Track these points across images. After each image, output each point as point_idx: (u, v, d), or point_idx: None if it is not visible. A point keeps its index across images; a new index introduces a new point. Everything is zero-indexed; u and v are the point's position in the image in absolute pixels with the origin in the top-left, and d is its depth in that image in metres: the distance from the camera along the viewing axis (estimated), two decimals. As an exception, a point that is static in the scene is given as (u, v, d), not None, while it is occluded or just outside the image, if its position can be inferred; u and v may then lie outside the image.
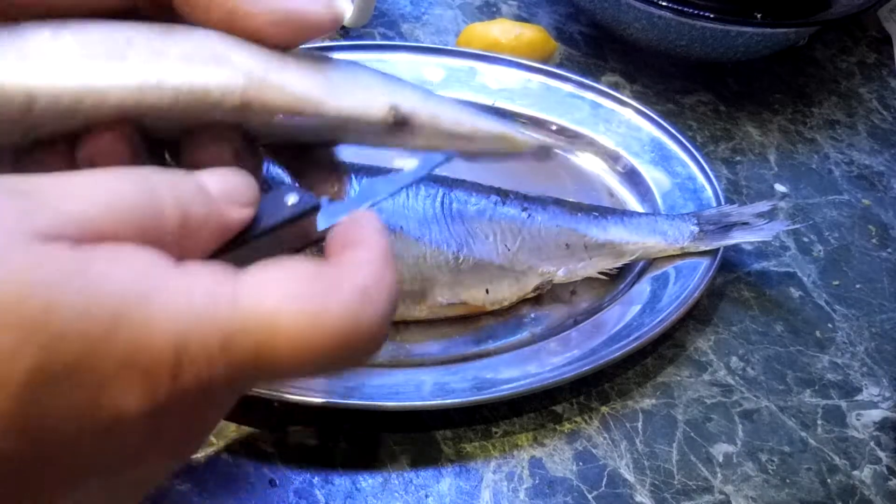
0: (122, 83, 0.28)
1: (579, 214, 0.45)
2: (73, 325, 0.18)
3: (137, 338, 0.19)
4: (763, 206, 0.47)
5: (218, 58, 0.30)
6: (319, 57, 0.32)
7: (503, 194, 0.45)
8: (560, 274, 0.44)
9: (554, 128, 0.52)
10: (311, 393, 0.37)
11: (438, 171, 0.46)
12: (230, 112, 0.29)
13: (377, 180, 0.32)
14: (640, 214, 0.47)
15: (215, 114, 0.29)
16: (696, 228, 0.45)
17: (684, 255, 0.45)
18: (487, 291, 0.42)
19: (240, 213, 0.25)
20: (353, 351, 0.22)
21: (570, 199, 0.47)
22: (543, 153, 0.38)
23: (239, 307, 0.20)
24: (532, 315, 0.43)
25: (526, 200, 0.45)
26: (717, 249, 0.45)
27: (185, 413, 0.20)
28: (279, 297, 0.21)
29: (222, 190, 0.24)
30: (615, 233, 0.45)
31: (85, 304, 0.18)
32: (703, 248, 0.45)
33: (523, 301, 0.43)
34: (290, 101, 0.30)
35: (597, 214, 0.45)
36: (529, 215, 0.44)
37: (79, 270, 0.19)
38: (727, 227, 0.45)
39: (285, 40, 0.29)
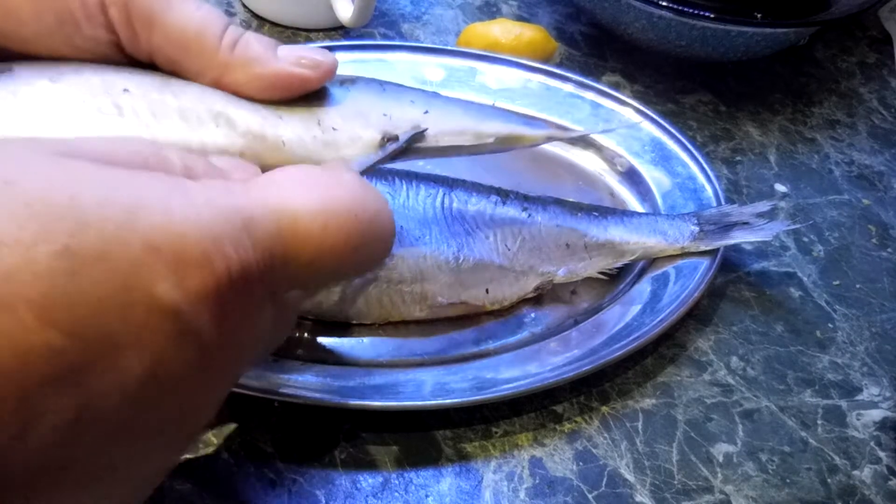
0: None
1: (579, 214, 0.45)
2: (95, 212, 0.18)
3: (158, 224, 0.19)
4: (763, 205, 0.47)
5: (216, 116, 0.30)
6: (313, 95, 0.32)
7: (503, 194, 0.45)
8: (560, 274, 0.44)
9: (553, 127, 0.52)
10: (311, 393, 0.37)
11: (438, 171, 0.46)
12: None
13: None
14: (640, 214, 0.47)
15: None
16: (697, 228, 0.45)
17: (684, 254, 0.45)
18: (487, 291, 0.42)
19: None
20: (368, 234, 0.23)
21: (571, 199, 0.47)
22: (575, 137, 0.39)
23: (253, 195, 0.21)
24: (532, 315, 0.43)
25: (526, 200, 0.45)
26: (718, 249, 0.45)
27: (225, 317, 0.20)
28: (289, 186, 0.22)
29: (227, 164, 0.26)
30: (615, 232, 0.45)
31: (106, 195, 0.19)
32: (703, 247, 0.45)
33: (523, 301, 0.43)
34: (286, 157, 0.31)
35: (597, 214, 0.45)
36: (530, 215, 0.44)
37: (99, 172, 0.19)
38: (728, 227, 0.45)
39: (277, 98, 0.30)
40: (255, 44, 0.29)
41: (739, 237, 0.45)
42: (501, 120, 0.38)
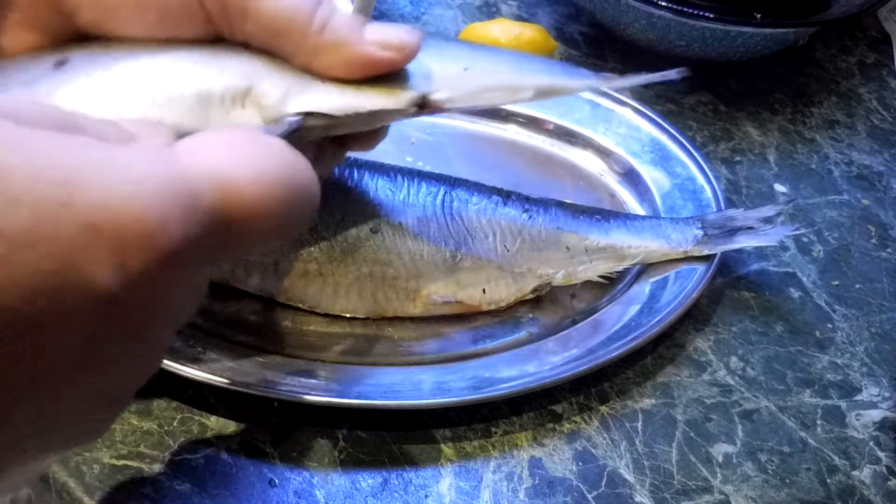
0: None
1: (581, 217, 0.45)
2: (26, 189, 0.17)
3: (96, 202, 0.18)
4: (769, 210, 0.46)
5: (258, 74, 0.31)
6: None
7: (505, 195, 0.45)
8: (559, 276, 0.43)
9: (551, 127, 0.52)
10: (310, 392, 0.37)
11: (438, 171, 0.46)
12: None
13: None
14: (643, 218, 0.47)
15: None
16: (701, 232, 0.45)
17: (686, 258, 0.45)
18: (484, 291, 0.42)
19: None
20: (300, 200, 0.22)
21: (572, 202, 0.46)
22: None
23: (191, 164, 0.20)
24: (530, 315, 0.43)
25: (528, 202, 0.45)
26: (717, 250, 0.45)
27: (158, 293, 0.19)
28: (223, 153, 0.21)
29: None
30: (617, 236, 0.44)
31: (36, 169, 0.17)
32: (706, 252, 0.44)
33: (521, 302, 0.43)
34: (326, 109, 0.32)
35: (599, 217, 0.45)
36: (530, 216, 0.44)
37: (25, 141, 0.18)
38: (732, 232, 0.45)
39: (365, 77, 0.31)
40: (343, 26, 0.30)
41: (743, 241, 0.45)
42: (542, 72, 0.37)
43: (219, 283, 0.41)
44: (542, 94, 0.36)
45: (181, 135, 0.24)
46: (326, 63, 0.30)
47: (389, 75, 0.32)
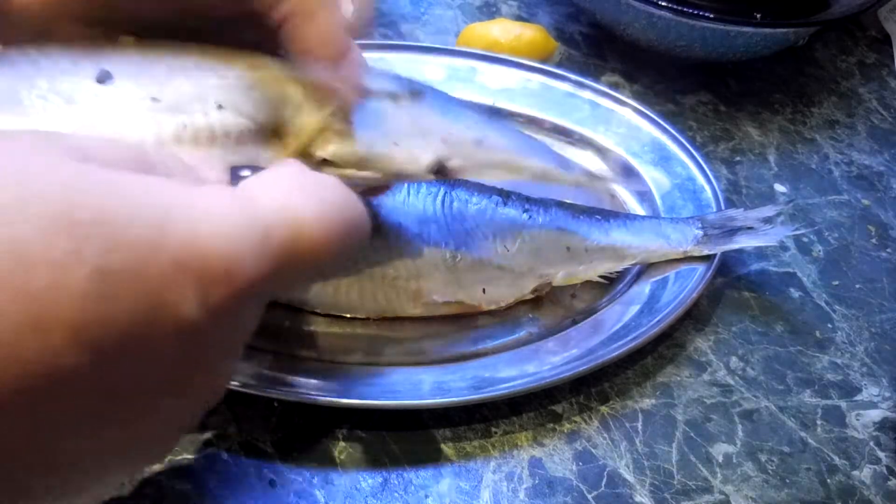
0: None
1: (581, 217, 0.45)
2: (125, 231, 0.18)
3: (183, 241, 0.19)
4: (769, 210, 0.46)
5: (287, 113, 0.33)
6: (385, 104, 0.35)
7: (505, 195, 0.45)
8: (559, 276, 0.43)
9: (551, 126, 0.52)
10: (310, 392, 0.37)
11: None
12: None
13: None
14: (643, 218, 0.47)
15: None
16: (701, 232, 0.45)
17: (686, 258, 0.45)
18: (484, 291, 0.42)
19: None
20: (355, 236, 0.24)
21: (573, 202, 0.46)
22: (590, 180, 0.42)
23: (263, 204, 0.21)
24: (530, 315, 0.43)
25: (528, 202, 0.45)
26: (717, 249, 0.45)
27: (233, 323, 0.21)
28: (289, 191, 0.22)
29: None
30: (617, 236, 0.44)
31: (132, 212, 0.19)
32: (706, 252, 0.44)
33: (521, 302, 0.43)
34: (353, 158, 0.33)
35: (599, 217, 0.45)
36: (531, 217, 0.44)
37: (118, 184, 0.19)
38: (732, 231, 0.45)
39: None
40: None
41: (743, 242, 0.45)
42: (540, 158, 0.39)
43: None
44: (538, 178, 0.39)
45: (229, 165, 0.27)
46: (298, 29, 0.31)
47: (413, 137, 0.35)
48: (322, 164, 0.33)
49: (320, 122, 0.33)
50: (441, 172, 0.36)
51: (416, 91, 0.36)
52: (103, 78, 0.30)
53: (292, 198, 0.22)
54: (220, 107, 0.31)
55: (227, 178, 0.25)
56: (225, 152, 0.30)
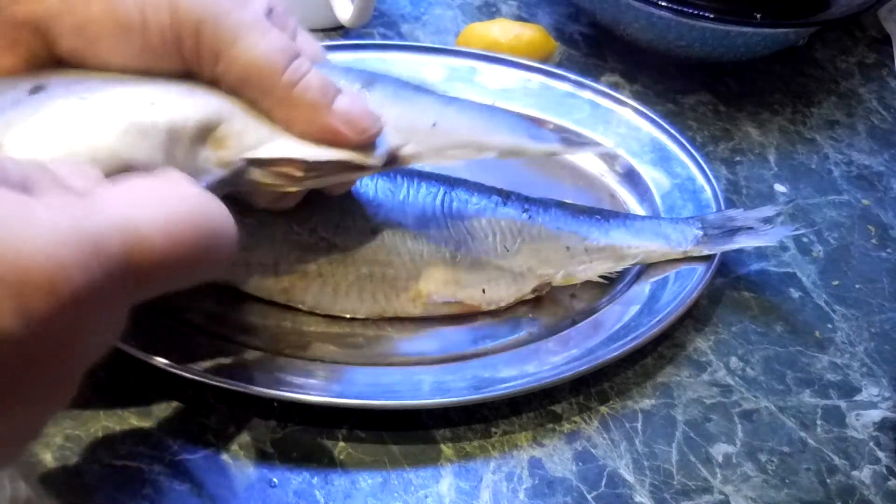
0: None
1: (581, 217, 0.45)
2: None
3: (5, 255, 0.19)
4: (769, 210, 0.46)
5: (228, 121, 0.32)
6: None
7: (505, 195, 0.45)
8: (559, 276, 0.43)
9: (551, 126, 0.52)
10: (310, 392, 0.37)
11: (437, 171, 0.46)
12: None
13: None
14: (643, 218, 0.47)
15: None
16: (701, 232, 0.44)
17: (686, 258, 0.45)
18: (484, 291, 0.42)
19: None
20: (210, 245, 0.24)
21: (573, 202, 0.46)
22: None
23: (98, 212, 0.21)
24: (530, 315, 0.43)
25: (528, 202, 0.45)
26: (717, 249, 0.45)
27: (65, 334, 0.21)
28: (133, 200, 0.23)
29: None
30: (617, 236, 0.44)
31: None
32: (706, 252, 0.44)
33: (521, 303, 0.43)
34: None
35: (599, 217, 0.45)
36: (530, 216, 0.44)
37: None
38: (732, 232, 0.45)
39: (313, 140, 0.33)
40: (314, 90, 0.32)
41: (743, 242, 0.45)
42: (507, 132, 0.38)
43: (219, 284, 0.41)
44: (507, 154, 0.38)
45: (134, 170, 0.27)
46: (288, 117, 0.32)
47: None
48: (269, 165, 0.32)
49: (259, 125, 0.32)
50: (394, 162, 0.35)
51: (368, 81, 0.35)
52: (38, 87, 0.30)
53: (135, 210, 0.22)
54: (152, 104, 0.30)
55: (96, 186, 0.25)
56: (149, 155, 0.30)
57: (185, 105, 0.31)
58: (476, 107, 0.40)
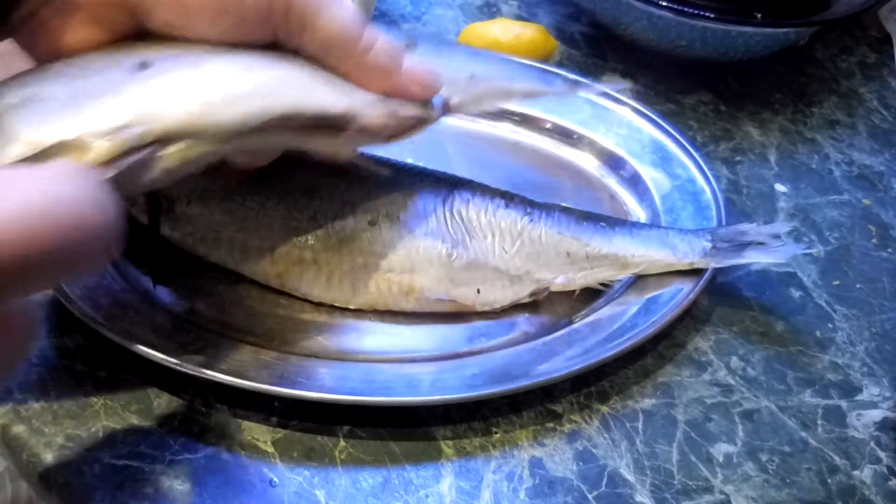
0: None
1: (585, 223, 0.44)
2: None
3: None
4: (782, 226, 0.46)
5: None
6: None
7: (508, 197, 0.44)
8: (558, 282, 0.43)
9: (551, 126, 0.52)
10: (310, 390, 0.37)
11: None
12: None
13: None
14: (650, 226, 0.46)
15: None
16: (710, 245, 0.44)
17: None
18: (479, 291, 0.42)
19: None
20: (75, 237, 0.23)
21: (574, 205, 0.46)
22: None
23: None
24: (526, 314, 0.43)
25: (531, 205, 0.44)
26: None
27: None
28: None
29: None
30: (620, 244, 0.44)
31: None
32: (713, 265, 0.43)
33: (518, 305, 0.43)
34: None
35: (604, 224, 0.44)
36: (532, 220, 0.43)
37: None
38: (741, 246, 0.44)
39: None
40: (385, 53, 0.35)
41: (752, 257, 0.44)
42: (525, 79, 0.43)
43: (216, 264, 0.41)
44: (527, 97, 0.44)
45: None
46: (364, 80, 0.35)
47: None
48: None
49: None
50: (446, 111, 0.38)
51: (410, 41, 0.38)
52: (144, 64, 0.32)
53: None
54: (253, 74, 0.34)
55: None
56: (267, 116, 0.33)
57: (295, 92, 0.34)
58: (496, 58, 0.45)
